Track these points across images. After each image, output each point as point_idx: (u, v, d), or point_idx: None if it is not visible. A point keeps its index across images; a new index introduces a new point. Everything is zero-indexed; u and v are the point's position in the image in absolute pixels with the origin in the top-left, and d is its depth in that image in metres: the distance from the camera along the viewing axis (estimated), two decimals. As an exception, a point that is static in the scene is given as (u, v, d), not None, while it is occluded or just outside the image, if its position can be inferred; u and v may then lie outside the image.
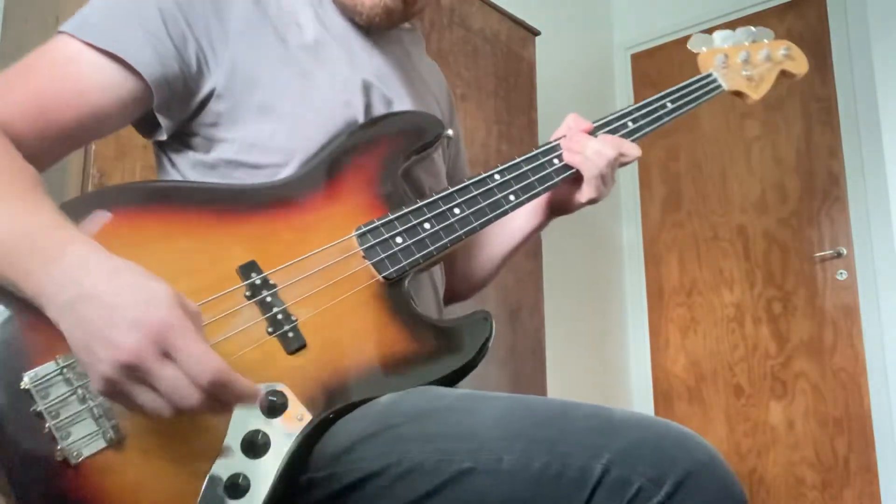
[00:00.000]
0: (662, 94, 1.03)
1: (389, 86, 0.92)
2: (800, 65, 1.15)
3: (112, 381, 0.55)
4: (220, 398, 0.57)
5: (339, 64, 0.88)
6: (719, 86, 1.08)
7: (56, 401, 0.61)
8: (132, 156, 1.53)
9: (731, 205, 3.29)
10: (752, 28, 1.13)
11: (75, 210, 0.68)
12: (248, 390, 0.58)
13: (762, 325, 3.14)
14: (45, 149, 0.74)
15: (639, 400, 3.44)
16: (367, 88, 0.88)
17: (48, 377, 0.62)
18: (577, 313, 3.19)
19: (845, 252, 2.97)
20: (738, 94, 1.11)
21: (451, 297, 1.07)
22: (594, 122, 0.96)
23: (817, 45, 3.09)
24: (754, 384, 3.13)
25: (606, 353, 3.40)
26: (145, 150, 1.54)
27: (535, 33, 2.70)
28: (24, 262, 0.59)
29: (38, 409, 0.61)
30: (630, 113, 0.99)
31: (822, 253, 3.02)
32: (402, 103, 0.93)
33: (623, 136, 0.96)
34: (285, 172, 0.81)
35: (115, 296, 0.56)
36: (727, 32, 1.12)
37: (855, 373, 2.90)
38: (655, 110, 1.01)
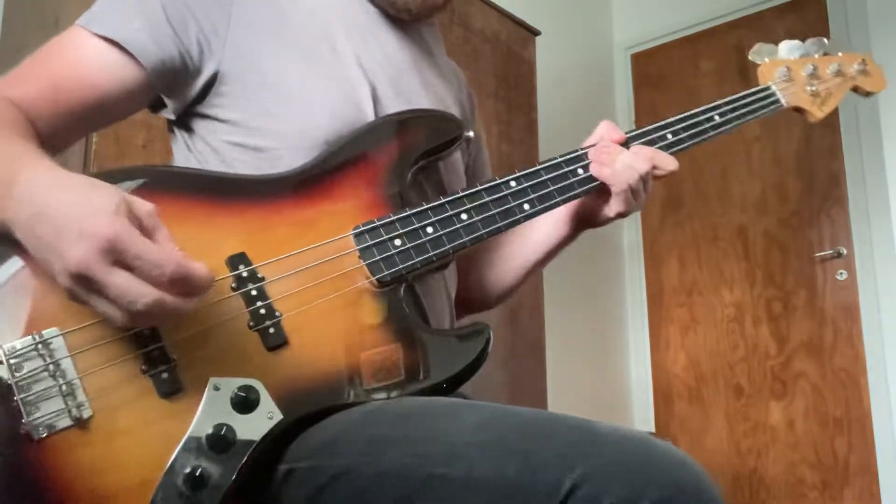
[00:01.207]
0: (710, 105, 0.94)
1: (405, 76, 0.89)
2: (877, 82, 1.04)
3: (72, 292, 0.57)
4: (182, 292, 0.58)
5: (350, 49, 0.86)
6: (777, 100, 0.98)
7: (27, 375, 0.61)
8: (132, 156, 1.53)
9: (731, 205, 3.29)
10: (825, 39, 1.03)
11: None
12: (205, 278, 0.59)
13: (762, 325, 3.14)
14: (60, 128, 0.78)
15: (639, 400, 3.44)
16: (378, 76, 0.86)
17: (23, 351, 0.62)
18: (577, 314, 3.19)
19: (845, 252, 2.96)
20: (798, 110, 1.01)
21: (466, 307, 1.02)
22: (628, 133, 0.90)
23: (817, 46, 3.09)
24: (754, 384, 3.13)
25: (606, 354, 3.39)
26: (145, 150, 1.55)
27: (535, 33, 2.70)
28: None
29: (9, 382, 0.61)
30: (671, 124, 0.92)
31: (822, 253, 3.02)
32: (418, 96, 0.90)
33: (660, 148, 0.89)
34: (290, 156, 0.80)
35: (60, 211, 0.57)
36: (795, 43, 1.02)
37: (855, 373, 2.90)
38: (700, 123, 0.93)
